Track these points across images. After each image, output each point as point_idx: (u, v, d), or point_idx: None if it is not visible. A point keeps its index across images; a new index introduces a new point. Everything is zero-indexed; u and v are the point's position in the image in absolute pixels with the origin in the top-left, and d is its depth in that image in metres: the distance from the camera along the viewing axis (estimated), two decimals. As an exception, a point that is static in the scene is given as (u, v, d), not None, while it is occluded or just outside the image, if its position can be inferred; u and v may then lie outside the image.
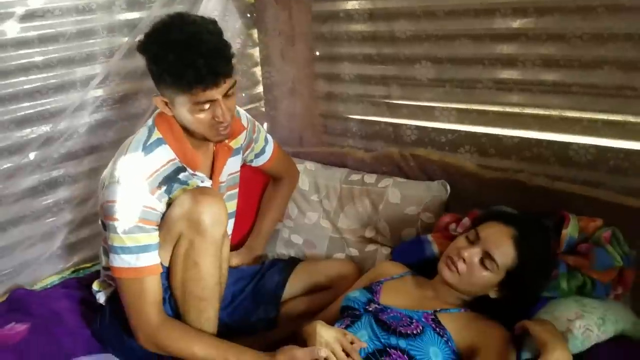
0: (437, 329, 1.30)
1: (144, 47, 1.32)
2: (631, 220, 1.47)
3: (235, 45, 2.17)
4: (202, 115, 1.35)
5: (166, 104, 1.37)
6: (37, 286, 1.88)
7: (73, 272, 1.96)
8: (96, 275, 1.82)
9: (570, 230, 1.46)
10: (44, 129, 1.84)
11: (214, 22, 1.34)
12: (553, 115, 1.69)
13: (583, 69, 1.59)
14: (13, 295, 1.78)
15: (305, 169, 2.03)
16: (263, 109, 2.36)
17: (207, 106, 1.34)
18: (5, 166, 1.78)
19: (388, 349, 1.26)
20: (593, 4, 1.51)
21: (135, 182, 1.36)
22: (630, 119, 1.57)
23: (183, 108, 1.35)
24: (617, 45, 1.52)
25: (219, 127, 1.38)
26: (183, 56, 1.25)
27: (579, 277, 1.39)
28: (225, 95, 1.35)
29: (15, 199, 1.84)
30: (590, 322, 1.31)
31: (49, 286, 1.87)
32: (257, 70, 2.35)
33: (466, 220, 1.62)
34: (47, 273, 1.94)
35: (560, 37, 1.60)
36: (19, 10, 1.73)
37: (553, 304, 1.39)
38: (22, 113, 1.82)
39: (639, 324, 1.39)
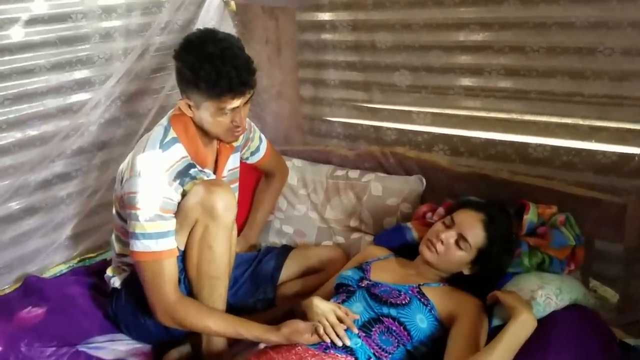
0: (422, 300, 1.49)
1: (180, 56, 1.46)
2: (581, 207, 1.69)
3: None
4: (222, 119, 1.50)
5: (189, 106, 1.51)
6: (47, 274, 1.97)
7: (79, 261, 2.06)
8: (102, 263, 1.95)
9: (530, 216, 1.66)
10: (60, 124, 1.94)
11: (238, 40, 1.50)
12: (514, 118, 1.90)
13: (539, 78, 1.80)
14: (27, 282, 1.87)
15: (294, 165, 2.18)
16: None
17: (228, 112, 1.49)
18: (25, 159, 1.89)
19: (381, 318, 1.44)
20: (548, 22, 1.72)
21: (155, 176, 1.49)
22: (579, 121, 1.79)
23: (206, 111, 1.49)
24: (568, 57, 1.73)
25: (234, 131, 1.54)
26: (219, 67, 1.40)
27: (538, 255, 1.60)
28: (245, 104, 1.51)
29: (31, 190, 1.93)
30: (550, 292, 1.50)
31: (58, 274, 1.96)
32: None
33: (440, 209, 1.80)
34: (55, 262, 2.03)
35: (520, 49, 1.80)
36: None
37: (517, 278, 1.58)
38: (43, 108, 1.94)
39: (588, 294, 1.61)
